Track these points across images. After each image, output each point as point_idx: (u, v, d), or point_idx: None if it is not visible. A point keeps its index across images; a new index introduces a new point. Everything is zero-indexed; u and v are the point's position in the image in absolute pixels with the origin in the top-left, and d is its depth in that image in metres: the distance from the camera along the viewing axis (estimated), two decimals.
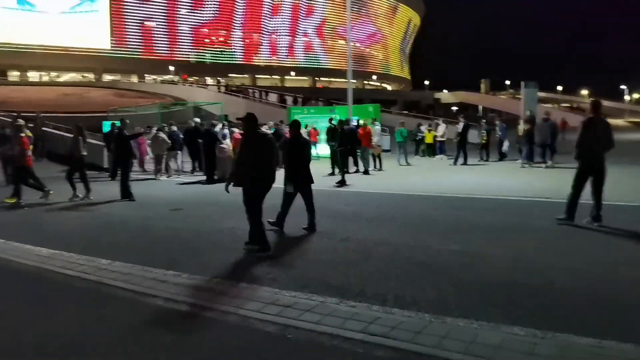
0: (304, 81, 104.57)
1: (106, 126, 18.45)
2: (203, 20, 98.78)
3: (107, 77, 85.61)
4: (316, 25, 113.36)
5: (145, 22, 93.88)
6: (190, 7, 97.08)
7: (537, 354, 3.20)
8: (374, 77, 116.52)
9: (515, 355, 3.22)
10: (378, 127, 16.99)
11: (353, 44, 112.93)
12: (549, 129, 15.07)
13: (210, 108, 29.75)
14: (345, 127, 13.12)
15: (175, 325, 4.05)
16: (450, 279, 4.83)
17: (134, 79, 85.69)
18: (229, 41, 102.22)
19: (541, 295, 4.36)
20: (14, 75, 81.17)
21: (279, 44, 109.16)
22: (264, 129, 17.44)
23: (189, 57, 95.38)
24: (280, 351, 3.47)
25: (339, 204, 9.52)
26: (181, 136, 15.86)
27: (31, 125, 19.44)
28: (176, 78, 79.91)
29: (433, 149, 20.97)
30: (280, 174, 6.35)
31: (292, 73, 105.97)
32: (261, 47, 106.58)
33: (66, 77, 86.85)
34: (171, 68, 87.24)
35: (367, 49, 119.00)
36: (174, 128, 15.58)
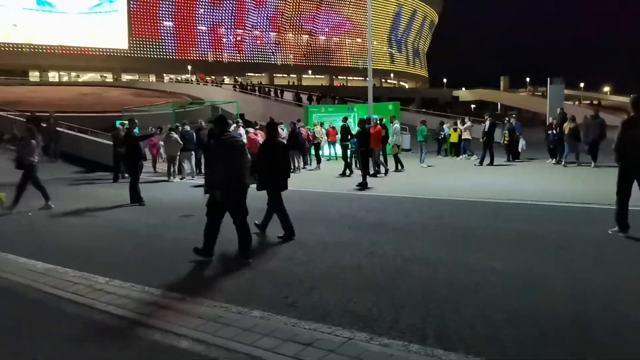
0: (321, 80, 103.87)
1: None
2: (221, 19, 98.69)
3: (125, 77, 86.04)
4: (335, 23, 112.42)
5: (163, 22, 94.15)
6: (208, 7, 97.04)
7: None
8: (392, 75, 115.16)
9: None
10: (397, 126, 16.13)
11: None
12: (599, 127, 14.10)
13: (226, 107, 29.20)
14: (367, 126, 12.34)
15: None
16: (501, 310, 4.05)
17: (152, 78, 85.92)
18: (246, 40, 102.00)
19: (617, 333, 3.57)
20: (34, 75, 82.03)
21: (296, 42, 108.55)
22: (279, 128, 16.81)
23: (209, 56, 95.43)
24: None
25: (361, 210, 8.78)
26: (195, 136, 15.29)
27: (44, 124, 19.11)
28: (193, 77, 79.87)
29: (457, 149, 20.10)
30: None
31: (309, 72, 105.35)
32: (278, 45, 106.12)
33: (85, 77, 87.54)
34: (189, 67, 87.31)
35: (384, 47, 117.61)
36: (187, 128, 15.00)
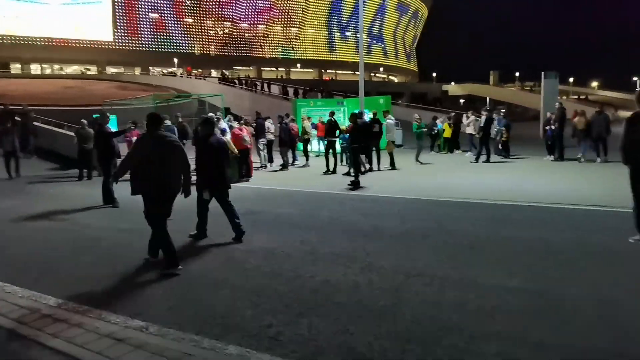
0: (309, 73, 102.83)
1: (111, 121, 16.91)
2: (208, 11, 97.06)
3: (110, 70, 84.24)
4: (323, 17, 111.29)
5: (148, 14, 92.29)
6: None
7: None
8: (381, 69, 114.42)
9: None
10: (391, 122, 15.41)
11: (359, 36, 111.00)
12: (604, 122, 13.58)
13: (212, 101, 28.27)
14: (359, 121, 11.60)
15: None
16: (525, 341, 3.38)
17: (137, 71, 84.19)
18: (234, 33, 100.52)
19: None
20: (15, 67, 79.86)
21: (286, 35, 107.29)
22: (267, 123, 16.04)
23: (195, 49, 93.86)
24: None
25: (354, 213, 8.06)
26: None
27: (18, 118, 18.11)
28: (179, 71, 78.43)
29: (451, 144, 19.56)
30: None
31: (298, 65, 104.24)
32: (267, 39, 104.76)
33: (69, 69, 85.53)
34: (175, 60, 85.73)
35: (373, 40, 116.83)
36: (168, 122, 14.11)
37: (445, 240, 6.16)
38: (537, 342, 3.38)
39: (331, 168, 13.86)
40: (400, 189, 10.46)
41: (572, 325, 3.66)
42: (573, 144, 15.26)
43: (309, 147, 16.70)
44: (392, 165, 14.37)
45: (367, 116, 15.19)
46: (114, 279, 5.10)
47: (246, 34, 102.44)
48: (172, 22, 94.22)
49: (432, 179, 12.31)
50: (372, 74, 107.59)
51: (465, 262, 5.26)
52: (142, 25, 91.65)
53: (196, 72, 77.45)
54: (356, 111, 13.51)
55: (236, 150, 12.12)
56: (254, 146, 14.42)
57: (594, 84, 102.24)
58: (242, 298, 4.41)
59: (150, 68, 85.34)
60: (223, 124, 13.41)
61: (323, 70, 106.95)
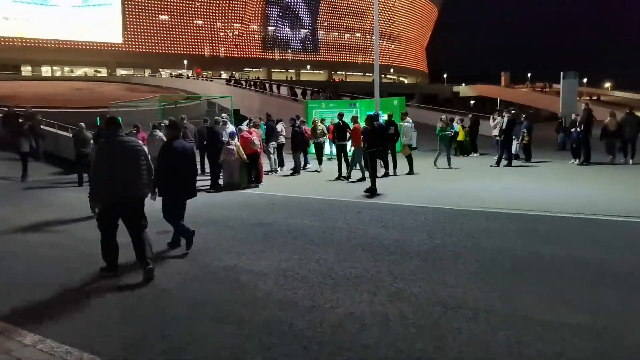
0: (319, 75, 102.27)
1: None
2: (217, 13, 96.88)
3: (120, 72, 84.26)
4: (334, 17, 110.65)
5: (158, 16, 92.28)
6: (204, 0, 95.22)
7: None
8: (392, 70, 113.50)
9: None
10: (408, 124, 14.61)
11: (370, 37, 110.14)
12: (635, 124, 12.83)
13: (221, 103, 27.69)
14: (376, 124, 10.86)
15: None
16: None
17: (147, 73, 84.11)
18: (244, 35, 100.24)
19: None
20: (27, 70, 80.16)
21: (296, 37, 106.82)
22: (280, 125, 15.39)
23: (205, 51, 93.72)
24: None
25: (374, 225, 7.32)
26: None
27: (21, 120, 17.56)
28: (189, 72, 78.17)
29: (464, 147, 18.83)
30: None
31: (308, 67, 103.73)
32: (276, 40, 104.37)
33: (80, 71, 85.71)
34: (185, 62, 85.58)
35: (384, 42, 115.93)
36: None
37: (481, 260, 5.40)
38: None
39: (344, 173, 13.13)
40: (421, 197, 9.69)
41: None
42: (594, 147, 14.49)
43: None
44: (410, 170, 13.60)
45: (382, 118, 14.43)
46: (97, 310, 4.42)
47: (256, 36, 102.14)
48: (182, 24, 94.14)
49: (453, 185, 11.53)
50: (383, 75, 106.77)
51: (510, 290, 4.50)
52: (152, 27, 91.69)
53: (205, 74, 77.20)
54: (371, 112, 12.68)
55: (244, 156, 11.47)
56: (263, 149, 13.74)
57: (607, 84, 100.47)
58: (251, 337, 3.70)
59: (160, 70, 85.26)
60: (230, 127, 12.80)
61: (333, 72, 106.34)
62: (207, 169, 13.18)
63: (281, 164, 15.22)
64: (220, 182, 11.86)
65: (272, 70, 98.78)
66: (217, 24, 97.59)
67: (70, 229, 7.92)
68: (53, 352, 3.52)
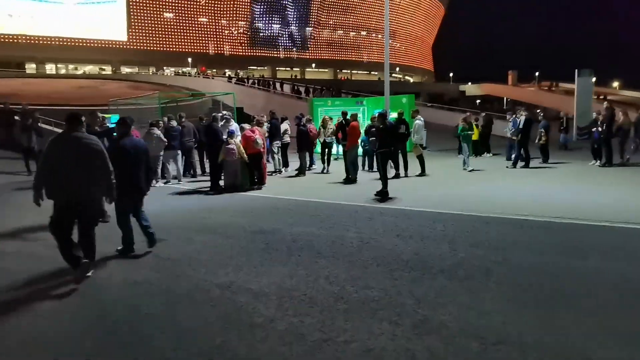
0: (324, 73, 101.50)
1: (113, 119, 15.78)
2: (222, 11, 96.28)
3: (125, 70, 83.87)
4: (339, 16, 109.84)
5: (163, 14, 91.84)
6: None
7: None
8: (397, 69, 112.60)
9: None
10: (420, 122, 13.84)
11: (375, 35, 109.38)
12: None
13: (224, 100, 27.03)
14: (387, 123, 10.13)
15: None
16: None
17: (152, 71, 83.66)
18: (248, 33, 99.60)
19: None
20: (31, 67, 79.89)
21: (300, 35, 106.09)
22: (285, 124, 14.71)
23: (210, 49, 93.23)
24: None
25: (388, 234, 6.59)
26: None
27: (17, 117, 16.98)
28: (193, 71, 77.67)
29: (477, 147, 18.10)
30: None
31: (313, 65, 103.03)
32: (280, 38, 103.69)
33: (84, 69, 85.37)
34: (189, 60, 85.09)
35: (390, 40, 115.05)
36: (173, 123, 12.82)
37: (516, 280, 4.67)
38: None
39: (352, 175, 12.39)
40: (436, 201, 8.95)
41: None
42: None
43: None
44: (422, 171, 12.86)
45: (390, 116, 13.68)
46: (62, 341, 3.72)
47: (261, 34, 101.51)
48: (187, 21, 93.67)
49: (468, 187, 10.79)
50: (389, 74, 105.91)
51: (558, 320, 3.77)
52: (156, 25, 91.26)
53: (210, 72, 76.67)
54: (381, 110, 11.86)
55: (245, 156, 10.77)
56: (267, 149, 13.05)
57: (615, 83, 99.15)
58: None
59: (165, 67, 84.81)
60: (233, 126, 12.12)
61: (338, 70, 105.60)
62: (207, 169, 12.54)
63: (286, 165, 14.52)
64: (222, 183, 11.18)
65: (277, 68, 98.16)
66: (222, 21, 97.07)
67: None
68: None
